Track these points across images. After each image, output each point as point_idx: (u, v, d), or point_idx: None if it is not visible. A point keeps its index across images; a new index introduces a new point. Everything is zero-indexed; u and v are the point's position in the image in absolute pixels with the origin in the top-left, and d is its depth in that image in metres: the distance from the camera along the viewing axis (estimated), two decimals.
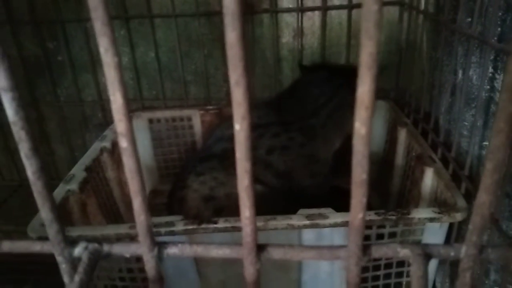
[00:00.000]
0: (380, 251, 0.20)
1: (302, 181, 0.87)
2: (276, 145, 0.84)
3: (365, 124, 0.16)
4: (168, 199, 0.88)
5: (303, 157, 0.86)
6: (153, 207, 1.05)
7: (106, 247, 0.22)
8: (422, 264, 0.19)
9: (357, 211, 0.18)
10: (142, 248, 0.21)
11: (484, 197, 0.18)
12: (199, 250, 0.21)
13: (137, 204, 0.19)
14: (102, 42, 0.16)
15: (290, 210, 0.63)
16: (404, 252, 0.20)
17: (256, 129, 0.86)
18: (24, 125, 0.18)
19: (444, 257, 0.19)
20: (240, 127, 0.17)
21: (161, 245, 0.21)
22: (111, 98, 0.17)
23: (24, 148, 0.19)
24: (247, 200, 0.18)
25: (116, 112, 0.17)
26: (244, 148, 0.17)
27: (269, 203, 0.79)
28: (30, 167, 0.19)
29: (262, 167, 0.82)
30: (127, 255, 0.21)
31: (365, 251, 0.20)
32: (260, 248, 0.20)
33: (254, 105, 0.93)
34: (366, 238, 0.65)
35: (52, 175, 1.16)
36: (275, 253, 0.20)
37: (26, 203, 0.86)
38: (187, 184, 0.82)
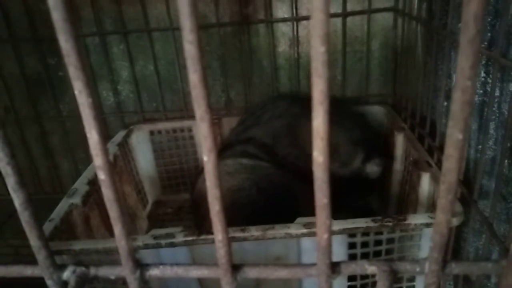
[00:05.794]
0: (349, 268, 0.21)
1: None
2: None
3: (322, 153, 0.17)
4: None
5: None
6: (156, 218, 1.07)
7: (92, 270, 0.23)
8: (387, 280, 0.20)
9: (323, 232, 0.19)
10: (125, 271, 0.22)
11: (441, 217, 0.19)
12: (179, 271, 0.22)
13: (118, 230, 0.21)
14: (76, 85, 0.17)
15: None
16: (371, 269, 0.21)
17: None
18: (9, 161, 0.19)
19: (410, 273, 0.20)
20: (207, 159, 0.18)
21: (143, 267, 0.22)
22: (88, 135, 0.18)
23: (10, 182, 0.20)
24: (219, 224, 0.20)
25: (93, 148, 0.18)
26: (213, 177, 0.19)
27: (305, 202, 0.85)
28: (17, 199, 0.20)
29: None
30: (112, 277, 0.23)
31: (334, 269, 0.21)
32: (236, 268, 0.21)
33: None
34: (364, 245, 0.66)
35: (56, 189, 1.18)
36: (251, 273, 0.21)
37: None
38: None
